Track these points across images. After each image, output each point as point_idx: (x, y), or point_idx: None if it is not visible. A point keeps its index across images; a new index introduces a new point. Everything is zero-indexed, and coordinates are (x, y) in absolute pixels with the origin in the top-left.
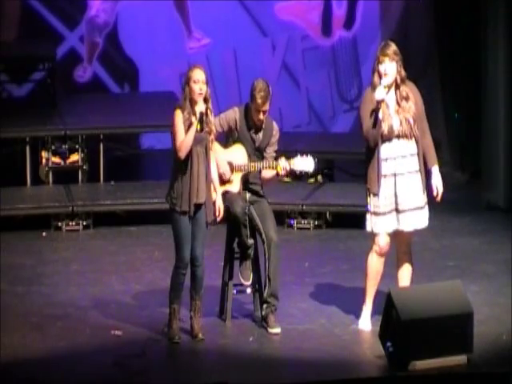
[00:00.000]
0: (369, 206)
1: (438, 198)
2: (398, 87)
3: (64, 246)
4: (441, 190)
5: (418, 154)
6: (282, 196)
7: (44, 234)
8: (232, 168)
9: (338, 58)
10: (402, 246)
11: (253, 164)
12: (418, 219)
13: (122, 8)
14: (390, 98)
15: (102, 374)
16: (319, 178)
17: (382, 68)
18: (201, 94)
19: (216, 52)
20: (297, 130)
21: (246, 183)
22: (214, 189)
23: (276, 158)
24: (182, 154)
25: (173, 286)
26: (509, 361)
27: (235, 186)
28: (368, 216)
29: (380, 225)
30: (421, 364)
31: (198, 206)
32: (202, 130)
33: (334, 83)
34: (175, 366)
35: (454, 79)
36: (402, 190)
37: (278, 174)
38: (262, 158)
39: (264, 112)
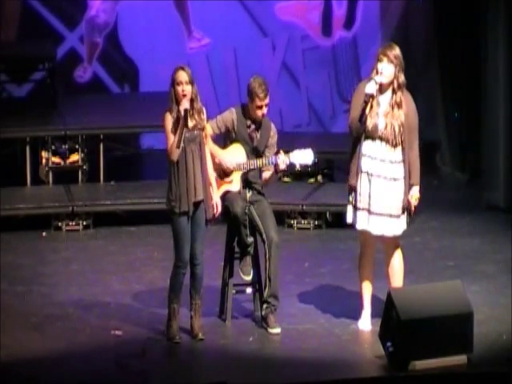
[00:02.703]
0: (350, 198)
1: (410, 212)
2: (394, 92)
3: (64, 246)
4: (413, 205)
5: (403, 162)
6: (282, 196)
7: (44, 233)
8: (233, 167)
9: (338, 58)
10: (385, 247)
11: (252, 162)
12: (387, 226)
13: (121, 8)
14: (384, 99)
15: (102, 373)
16: (319, 177)
17: (379, 67)
18: (184, 95)
19: (216, 52)
20: (297, 130)
21: (246, 182)
22: (211, 184)
23: (275, 153)
24: (174, 158)
25: (172, 286)
26: (509, 361)
27: (235, 186)
28: (349, 207)
29: (357, 219)
30: (421, 364)
31: (197, 204)
32: (186, 126)
33: (334, 83)
34: (175, 366)
35: (454, 79)
36: (377, 193)
37: (277, 170)
38: (260, 156)
39: (266, 105)
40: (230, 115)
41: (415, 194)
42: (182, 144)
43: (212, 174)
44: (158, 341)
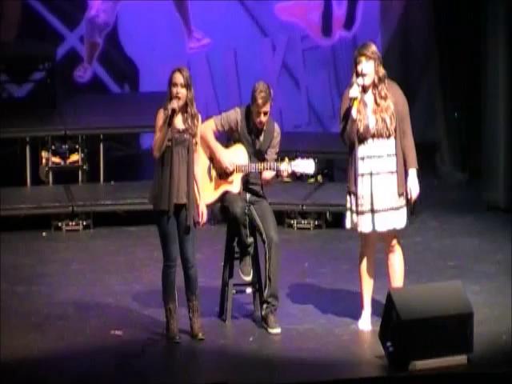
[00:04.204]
0: (348, 204)
1: (411, 202)
2: (375, 86)
3: (64, 245)
4: (415, 193)
5: (396, 155)
6: (282, 196)
7: (44, 234)
8: (233, 168)
9: (338, 58)
10: (387, 246)
11: (254, 165)
12: (392, 220)
13: (122, 8)
14: (368, 97)
15: (102, 373)
16: (319, 177)
17: (359, 68)
18: (177, 97)
19: (216, 52)
20: (297, 130)
21: (246, 184)
22: (198, 192)
23: (278, 160)
24: (155, 153)
25: (164, 286)
26: (509, 361)
27: (235, 187)
28: (348, 213)
29: (359, 223)
30: (421, 364)
31: (181, 207)
32: (170, 125)
33: (333, 83)
34: (175, 366)
35: (454, 79)
36: (378, 190)
37: (278, 175)
38: (262, 159)
39: (265, 113)
40: (235, 115)
41: (412, 178)
42: (167, 143)
43: (204, 181)
44: (157, 341)
